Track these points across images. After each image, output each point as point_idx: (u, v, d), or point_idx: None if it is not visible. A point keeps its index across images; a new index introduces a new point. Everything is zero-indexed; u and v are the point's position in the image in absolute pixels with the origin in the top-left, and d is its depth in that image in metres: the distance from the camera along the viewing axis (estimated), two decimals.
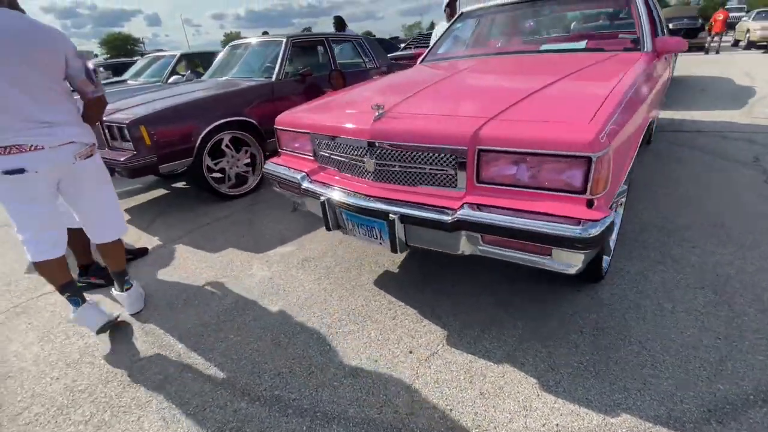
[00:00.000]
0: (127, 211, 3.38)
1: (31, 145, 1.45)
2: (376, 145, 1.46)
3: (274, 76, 3.64)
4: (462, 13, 3.06)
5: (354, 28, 10.12)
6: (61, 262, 1.71)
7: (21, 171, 1.44)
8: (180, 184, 3.97)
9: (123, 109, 2.94)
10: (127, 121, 2.68)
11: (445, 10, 4.73)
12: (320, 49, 4.25)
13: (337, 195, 1.59)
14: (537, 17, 2.71)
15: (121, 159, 2.69)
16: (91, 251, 2.24)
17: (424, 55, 3.00)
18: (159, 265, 2.43)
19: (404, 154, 1.41)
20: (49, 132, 1.49)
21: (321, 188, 1.68)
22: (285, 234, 2.69)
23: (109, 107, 3.15)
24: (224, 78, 3.98)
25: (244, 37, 4.78)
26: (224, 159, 3.29)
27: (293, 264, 2.31)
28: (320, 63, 4.22)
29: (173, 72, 5.12)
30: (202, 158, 3.09)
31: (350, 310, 1.86)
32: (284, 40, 3.78)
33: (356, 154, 1.56)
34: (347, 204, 1.53)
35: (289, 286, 2.10)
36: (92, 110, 1.67)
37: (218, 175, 3.31)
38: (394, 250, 1.47)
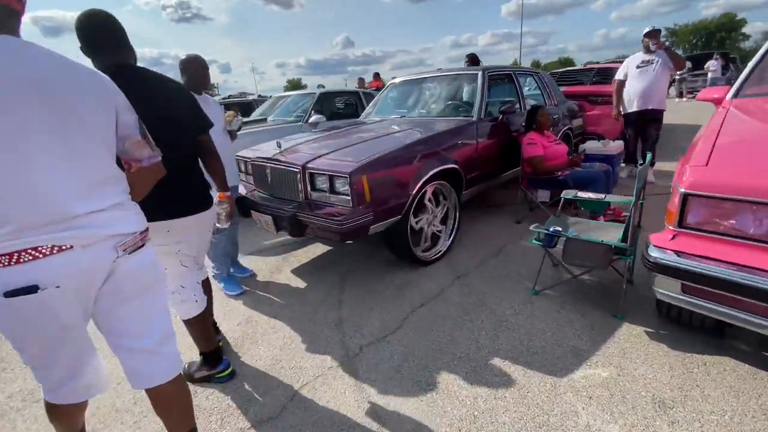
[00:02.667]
0: (297, 272, 2.72)
1: (54, 246, 0.86)
2: None
3: (475, 115, 2.96)
4: None
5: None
6: None
7: (33, 290, 0.85)
8: None
9: (323, 154, 2.33)
10: (348, 170, 2.04)
11: (643, 40, 3.93)
12: (508, 84, 3.57)
13: None
14: None
15: (337, 219, 2.01)
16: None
17: (737, 88, 2.14)
18: (401, 383, 1.62)
19: None
20: (86, 223, 0.91)
21: None
22: (567, 339, 1.80)
23: (292, 149, 2.63)
24: (398, 117, 3.38)
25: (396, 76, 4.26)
26: (424, 215, 2.56)
27: (651, 415, 1.38)
28: (507, 100, 3.52)
29: (313, 111, 4.73)
30: (409, 215, 2.37)
31: None
32: (480, 72, 3.14)
33: None
34: None
35: None
36: (147, 180, 1.12)
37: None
38: None
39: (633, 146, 4.27)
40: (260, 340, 2.01)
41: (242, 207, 2.61)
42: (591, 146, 3.89)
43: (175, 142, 1.35)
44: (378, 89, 6.38)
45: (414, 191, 2.31)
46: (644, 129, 4.07)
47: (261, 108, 5.84)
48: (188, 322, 1.61)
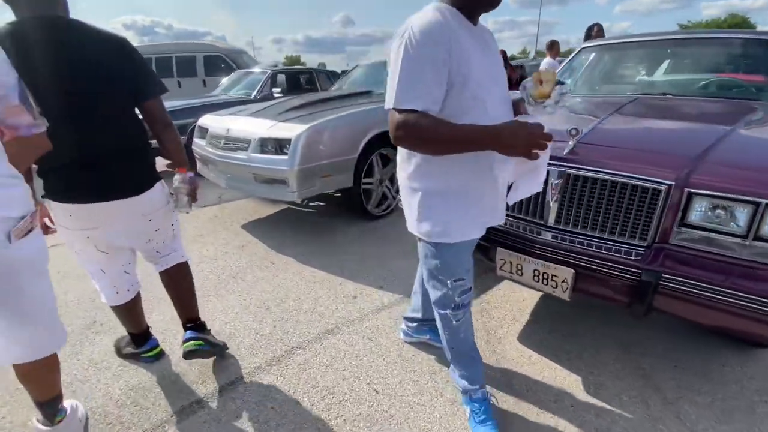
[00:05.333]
0: (530, 341, 1.65)
1: None
2: None
3: None
4: None
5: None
6: None
7: None
8: None
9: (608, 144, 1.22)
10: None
11: None
12: None
13: None
14: None
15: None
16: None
17: None
18: None
19: None
20: None
21: None
22: None
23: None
24: (648, 96, 2.21)
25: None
26: None
27: None
28: None
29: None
30: None
31: None
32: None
33: None
34: None
35: None
36: (24, 154, 0.96)
37: None
38: None
39: None
40: None
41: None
42: None
43: (97, 112, 1.14)
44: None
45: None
46: None
47: (346, 80, 4.54)
48: (112, 307, 1.48)
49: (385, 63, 4.53)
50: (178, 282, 1.53)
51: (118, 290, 1.43)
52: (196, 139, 3.20)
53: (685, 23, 45.67)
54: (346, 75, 4.56)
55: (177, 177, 1.39)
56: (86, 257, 1.34)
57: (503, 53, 6.45)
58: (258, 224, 3.16)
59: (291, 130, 2.42)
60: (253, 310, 2.00)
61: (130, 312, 1.52)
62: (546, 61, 4.71)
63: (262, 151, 2.54)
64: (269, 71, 5.34)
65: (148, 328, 1.63)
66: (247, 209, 3.51)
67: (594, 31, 4.55)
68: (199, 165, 3.25)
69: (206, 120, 3.17)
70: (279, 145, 2.47)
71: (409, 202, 1.12)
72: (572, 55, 2.73)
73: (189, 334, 1.49)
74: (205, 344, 1.49)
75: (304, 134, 2.37)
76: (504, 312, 1.92)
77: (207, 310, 2.00)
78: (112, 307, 1.48)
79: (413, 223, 1.13)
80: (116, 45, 1.17)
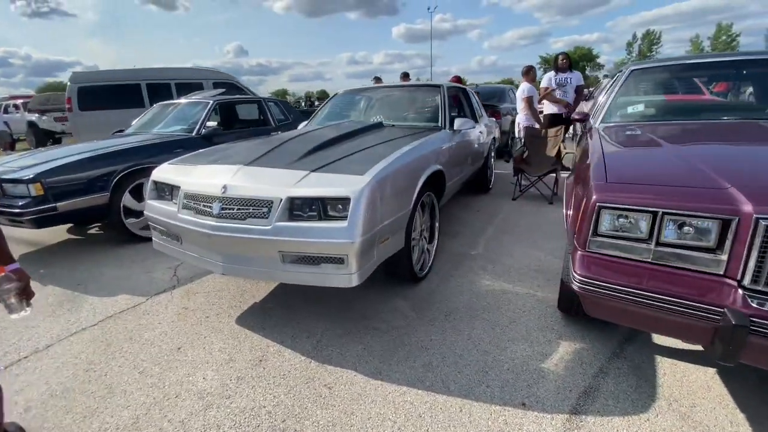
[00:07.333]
0: None
1: None
2: None
3: None
4: None
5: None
6: None
7: None
8: None
9: None
10: None
11: None
12: None
13: None
14: None
15: None
16: None
17: None
18: None
19: None
20: None
21: None
22: None
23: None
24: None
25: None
26: None
27: None
28: None
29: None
30: None
31: None
32: None
33: None
34: None
35: None
36: None
37: None
38: None
39: None
40: None
41: None
42: None
43: None
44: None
45: None
46: None
47: (323, 112, 3.81)
48: None
49: (362, 89, 3.86)
50: None
51: None
52: (152, 202, 2.13)
53: (545, 55, 54.77)
54: (323, 107, 3.84)
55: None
56: None
57: (457, 78, 6.37)
58: (261, 314, 2.19)
59: (345, 183, 1.63)
60: None
61: None
62: (524, 87, 4.64)
63: (293, 217, 1.69)
64: (211, 101, 4.30)
65: None
66: (228, 290, 2.49)
67: (560, 60, 4.66)
68: (159, 240, 2.17)
69: (167, 173, 2.13)
70: (323, 207, 1.66)
71: None
72: (625, 76, 2.49)
73: None
74: None
75: (368, 188, 1.61)
76: (711, 413, 1.40)
77: None
78: None
79: None
80: None
